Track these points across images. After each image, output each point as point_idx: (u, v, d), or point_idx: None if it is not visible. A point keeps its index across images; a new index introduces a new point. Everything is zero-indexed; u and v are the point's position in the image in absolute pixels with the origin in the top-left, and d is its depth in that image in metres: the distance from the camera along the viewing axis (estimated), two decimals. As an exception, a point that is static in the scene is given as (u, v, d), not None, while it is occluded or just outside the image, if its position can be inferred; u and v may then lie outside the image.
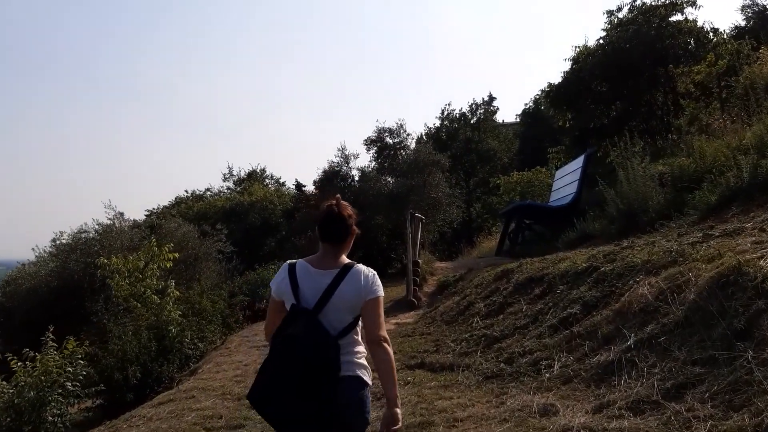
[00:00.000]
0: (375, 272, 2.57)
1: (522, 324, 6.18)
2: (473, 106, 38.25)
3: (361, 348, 2.57)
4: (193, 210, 26.39)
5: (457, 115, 38.05)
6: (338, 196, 2.62)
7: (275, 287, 2.58)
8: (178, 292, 10.64)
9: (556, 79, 18.37)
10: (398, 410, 2.42)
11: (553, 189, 14.14)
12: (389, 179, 22.70)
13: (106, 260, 10.16)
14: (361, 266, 2.55)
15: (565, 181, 12.71)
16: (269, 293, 2.71)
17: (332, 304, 2.43)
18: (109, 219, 17.32)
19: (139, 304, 10.02)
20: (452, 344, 6.81)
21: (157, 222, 20.04)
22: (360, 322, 2.55)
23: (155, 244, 10.55)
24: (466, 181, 34.32)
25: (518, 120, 42.30)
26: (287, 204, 25.50)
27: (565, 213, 11.70)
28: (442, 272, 12.16)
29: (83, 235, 16.98)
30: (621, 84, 16.59)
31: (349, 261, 2.58)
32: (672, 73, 16.10)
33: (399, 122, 25.44)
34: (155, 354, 9.56)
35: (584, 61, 17.27)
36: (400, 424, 2.43)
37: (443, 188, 21.98)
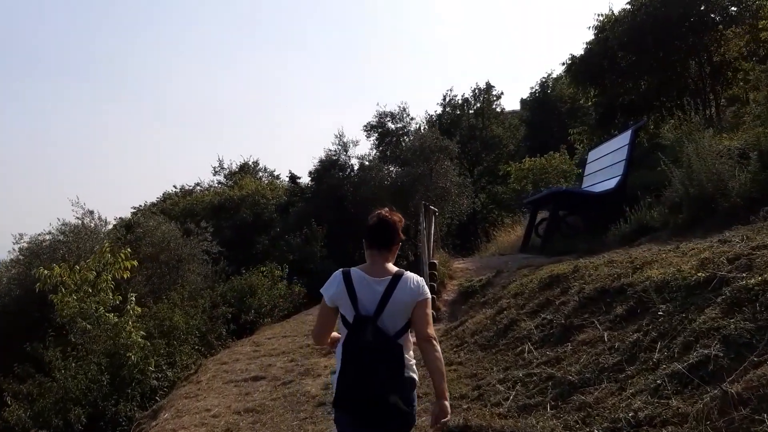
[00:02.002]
0: (422, 278, 2.77)
1: (611, 363, 4.16)
2: (476, 91, 36.48)
3: (411, 350, 2.77)
4: (178, 206, 24.36)
5: (460, 101, 36.31)
6: (386, 207, 2.86)
7: (330, 295, 2.68)
8: (140, 309, 8.62)
9: (576, 51, 16.32)
10: (447, 402, 2.63)
11: (586, 173, 12.11)
12: (392, 168, 20.77)
13: (46, 271, 8.11)
14: (409, 273, 2.73)
15: (605, 162, 10.69)
16: (322, 301, 2.75)
17: (388, 310, 2.61)
18: (78, 218, 15.30)
19: (89, 326, 8.01)
20: (501, 387, 4.81)
21: (134, 220, 17.99)
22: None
23: (108, 249, 8.51)
24: (470, 170, 32.35)
25: (519, 108, 40.57)
26: (281, 198, 23.47)
27: (611, 200, 9.70)
28: (463, 274, 10.14)
29: (47, 237, 14.97)
30: (653, 54, 14.58)
31: (399, 269, 2.75)
32: (718, 38, 14.11)
33: (401, 106, 23.54)
34: (109, 389, 7.56)
35: (611, 29, 15.23)
36: (449, 416, 2.66)
37: (452, 177, 20.02)
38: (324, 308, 2.73)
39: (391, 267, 2.74)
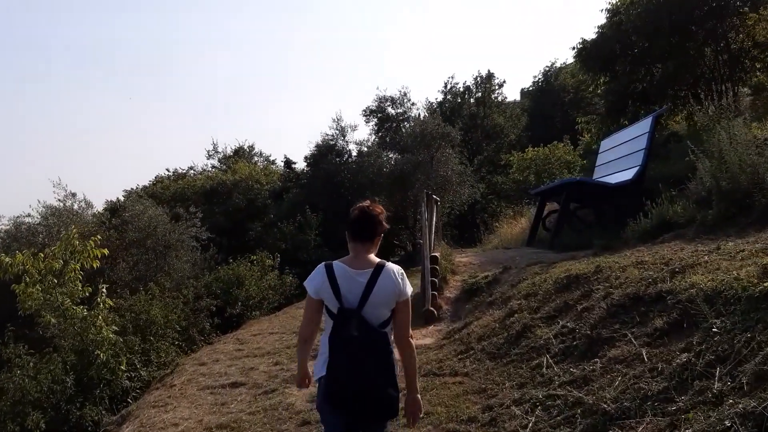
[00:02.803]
0: (403, 271, 2.78)
1: (656, 391, 3.41)
2: (478, 79, 35.70)
3: (392, 339, 2.74)
4: (169, 190, 23.52)
5: (461, 89, 35.53)
6: (368, 200, 2.86)
7: (313, 288, 2.71)
8: (111, 302, 7.85)
9: (587, 35, 15.47)
10: (419, 396, 2.84)
11: (598, 163, 11.35)
12: (391, 155, 19.94)
13: (7, 258, 7.32)
14: (391, 265, 2.73)
15: (621, 151, 9.93)
16: (306, 296, 2.81)
17: (371, 302, 2.63)
18: (59, 200, 14.51)
19: (54, 320, 7.24)
20: (517, 410, 4.07)
21: (120, 204, 17.19)
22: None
23: (75, 236, 7.72)
24: (470, 159, 31.59)
25: (519, 99, 39.83)
26: (276, 183, 22.64)
27: (628, 192, 8.96)
28: (466, 269, 9.41)
29: (27, 220, 14.19)
30: (668, 39, 13.77)
31: (380, 260, 2.74)
32: (738, 23, 13.30)
33: (402, 90, 22.70)
34: (74, 391, 6.82)
35: (626, 11, 14.39)
36: (422, 411, 2.91)
37: (454, 165, 19.19)
38: (309, 301, 2.77)
39: (373, 258, 2.76)
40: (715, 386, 3.14)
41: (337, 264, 2.71)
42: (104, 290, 7.63)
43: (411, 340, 2.79)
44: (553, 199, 11.10)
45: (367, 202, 2.80)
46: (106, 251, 7.96)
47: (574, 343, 4.66)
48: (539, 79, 39.18)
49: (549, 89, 37.62)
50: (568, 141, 25.64)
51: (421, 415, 2.81)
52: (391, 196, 18.43)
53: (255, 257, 14.01)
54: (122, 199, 21.85)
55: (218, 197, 22.83)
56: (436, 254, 9.16)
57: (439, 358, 6.06)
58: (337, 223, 18.60)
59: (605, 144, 11.24)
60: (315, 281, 2.71)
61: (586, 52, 15.05)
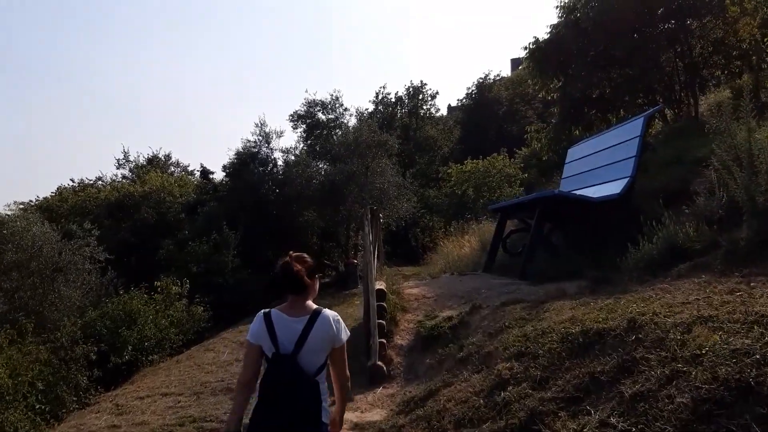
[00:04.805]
0: (339, 316, 2.86)
1: None
2: (410, 89, 34.43)
3: (325, 385, 2.79)
4: (67, 203, 20.62)
5: (393, 100, 34.15)
6: (291, 253, 2.83)
7: (253, 335, 2.76)
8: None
9: (539, 35, 14.00)
10: (341, 422, 2.97)
11: (565, 175, 9.75)
12: (322, 165, 17.89)
13: None
14: (327, 312, 2.81)
15: (600, 160, 8.33)
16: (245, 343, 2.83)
17: (307, 347, 2.68)
18: None
19: None
20: None
21: (-2, 220, 14.36)
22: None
23: None
24: (403, 173, 30.05)
25: (446, 114, 38.98)
26: (190, 196, 20.13)
27: (615, 209, 7.33)
28: (419, 305, 7.50)
29: None
30: (627, 41, 12.55)
31: (317, 307, 2.81)
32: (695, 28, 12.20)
33: (334, 94, 20.73)
34: None
35: (583, 7, 13.04)
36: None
37: (391, 176, 17.37)
38: (249, 347, 2.79)
39: (310, 305, 2.82)
40: None
41: (274, 311, 2.78)
42: None
43: (347, 384, 2.93)
44: (517, 215, 9.41)
45: (288, 257, 2.81)
46: None
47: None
48: (473, 91, 38.25)
49: (483, 102, 36.75)
50: (505, 154, 24.43)
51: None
52: (321, 211, 16.40)
53: (160, 283, 11.70)
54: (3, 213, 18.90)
55: (125, 211, 20.17)
56: (382, 286, 7.21)
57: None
58: (259, 241, 16.42)
59: (574, 153, 9.65)
60: (254, 328, 2.76)
61: (539, 52, 13.56)
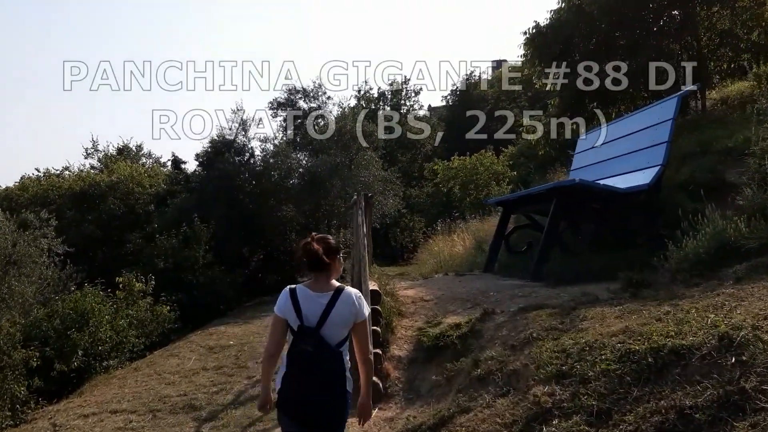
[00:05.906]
0: (360, 294, 3.01)
1: None
2: (393, 85, 33.57)
3: (348, 357, 2.91)
4: (27, 193, 19.23)
5: (376, 96, 33.29)
6: (313, 233, 3.00)
7: (279, 308, 2.88)
8: None
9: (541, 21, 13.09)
10: (370, 402, 3.04)
11: (574, 167, 8.82)
12: (303, 156, 16.80)
13: None
14: (349, 289, 2.94)
15: (622, 147, 7.41)
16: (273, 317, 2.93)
17: (330, 321, 2.81)
18: None
19: None
20: None
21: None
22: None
23: None
24: (385, 170, 29.09)
25: (429, 114, 38.16)
26: (160, 186, 18.87)
27: (643, 202, 6.41)
28: (417, 308, 6.49)
29: None
30: (631, 29, 11.78)
31: (340, 284, 2.95)
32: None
33: (316, 81, 19.59)
34: None
35: (588, -10, 12.15)
36: (371, 414, 3.11)
37: (376, 170, 16.34)
38: (275, 320, 2.91)
39: (334, 283, 2.94)
40: None
41: (299, 287, 2.90)
42: None
43: (370, 357, 3.03)
44: (522, 210, 8.45)
45: (310, 237, 2.94)
46: None
47: None
48: (457, 88, 37.44)
49: (468, 99, 35.95)
50: (492, 151, 23.60)
51: (370, 419, 3.09)
52: (301, 205, 15.27)
53: (121, 279, 10.55)
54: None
55: (90, 202, 18.84)
56: (375, 287, 6.20)
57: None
58: (233, 235, 15.26)
59: (586, 141, 8.71)
60: (280, 302, 2.88)
61: (540, 37, 12.65)
